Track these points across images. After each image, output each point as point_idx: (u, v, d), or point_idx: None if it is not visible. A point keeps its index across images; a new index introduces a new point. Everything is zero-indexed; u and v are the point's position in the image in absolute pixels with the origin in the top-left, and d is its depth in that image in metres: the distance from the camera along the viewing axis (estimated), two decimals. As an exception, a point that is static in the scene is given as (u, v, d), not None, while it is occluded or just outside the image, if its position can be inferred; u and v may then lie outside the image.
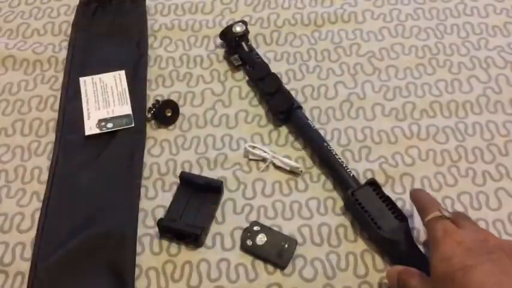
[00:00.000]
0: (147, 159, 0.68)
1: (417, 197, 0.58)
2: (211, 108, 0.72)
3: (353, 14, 0.81)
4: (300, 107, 0.70)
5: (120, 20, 0.80)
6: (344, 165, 0.64)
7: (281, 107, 0.69)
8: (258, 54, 0.75)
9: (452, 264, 0.47)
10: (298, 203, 0.64)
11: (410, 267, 0.54)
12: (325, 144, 0.66)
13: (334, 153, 0.65)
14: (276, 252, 0.60)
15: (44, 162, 0.68)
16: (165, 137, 0.70)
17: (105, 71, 0.75)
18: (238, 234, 0.62)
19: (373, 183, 0.62)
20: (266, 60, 0.75)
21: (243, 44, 0.75)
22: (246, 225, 0.62)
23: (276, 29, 0.80)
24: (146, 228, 0.63)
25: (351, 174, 0.64)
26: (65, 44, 0.78)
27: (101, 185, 0.65)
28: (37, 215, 0.63)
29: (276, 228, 0.62)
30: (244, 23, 0.76)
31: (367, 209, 0.60)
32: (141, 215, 0.63)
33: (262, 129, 0.70)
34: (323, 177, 0.66)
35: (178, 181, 0.65)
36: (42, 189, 0.65)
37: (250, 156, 0.68)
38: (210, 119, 0.71)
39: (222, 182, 0.64)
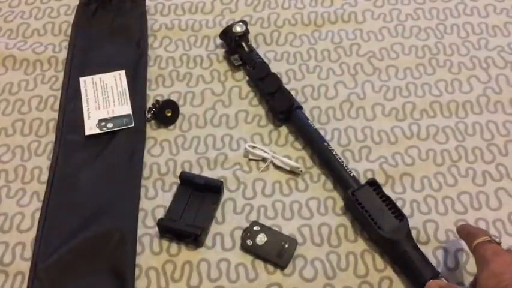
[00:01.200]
0: (147, 159, 0.68)
1: (463, 226, 0.58)
2: (212, 108, 0.72)
3: (353, 14, 0.81)
4: (300, 107, 0.70)
5: (120, 20, 0.80)
6: (344, 165, 0.64)
7: (281, 107, 0.69)
8: (258, 54, 0.75)
9: (503, 279, 0.48)
10: (298, 203, 0.64)
11: (406, 278, 0.55)
12: (325, 144, 0.66)
13: (334, 153, 0.65)
14: (276, 252, 0.60)
15: (44, 162, 0.68)
16: (165, 137, 0.70)
17: (105, 71, 0.75)
18: (238, 234, 0.62)
19: (373, 183, 0.62)
20: (266, 60, 0.75)
21: (243, 44, 0.75)
22: (246, 225, 0.62)
23: (276, 29, 0.80)
24: (146, 228, 0.63)
25: (351, 174, 0.64)
26: (65, 44, 0.78)
27: (101, 184, 0.65)
28: (37, 215, 0.63)
29: (276, 228, 0.62)
30: (244, 23, 0.76)
31: (367, 208, 0.60)
32: (141, 215, 0.63)
33: (262, 129, 0.70)
34: (323, 177, 0.66)
35: (179, 181, 0.65)
36: (42, 189, 0.65)
37: (250, 156, 0.68)
38: (210, 119, 0.71)
39: (222, 181, 0.64)
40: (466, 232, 0.56)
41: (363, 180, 0.64)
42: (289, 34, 0.80)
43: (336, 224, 0.63)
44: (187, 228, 0.61)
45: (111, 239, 0.60)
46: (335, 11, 0.82)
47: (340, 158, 0.65)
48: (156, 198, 0.65)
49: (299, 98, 0.73)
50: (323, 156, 0.66)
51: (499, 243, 0.53)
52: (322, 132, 0.68)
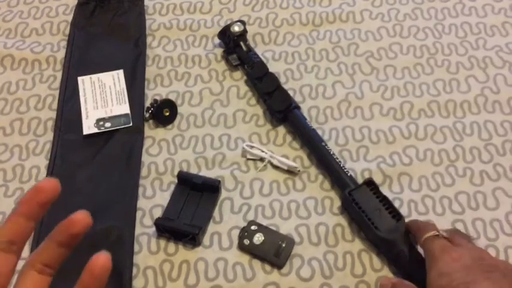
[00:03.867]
0: (145, 159, 0.68)
1: (412, 222, 0.59)
2: (210, 108, 0.72)
3: (351, 13, 0.81)
4: (298, 107, 0.70)
5: (119, 19, 0.80)
6: (341, 165, 0.64)
7: (279, 107, 0.69)
8: (256, 54, 0.75)
9: (453, 279, 0.48)
10: (296, 203, 0.64)
11: (404, 279, 0.55)
12: (323, 144, 0.66)
13: (331, 153, 0.65)
14: (274, 251, 0.60)
15: (42, 161, 0.68)
16: (163, 136, 0.70)
17: (104, 71, 0.75)
18: (235, 234, 0.62)
19: (370, 183, 0.62)
20: (264, 60, 0.75)
21: (242, 43, 0.75)
22: (244, 224, 0.62)
23: (274, 28, 0.80)
24: (144, 227, 0.63)
25: (348, 174, 0.64)
26: (64, 43, 0.79)
27: (98, 184, 0.66)
28: (35, 214, 0.63)
29: (273, 228, 0.62)
30: (242, 22, 0.76)
31: (364, 208, 0.60)
32: (138, 214, 0.64)
33: (260, 128, 0.70)
34: (321, 177, 0.66)
35: (176, 180, 0.65)
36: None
37: (248, 156, 0.68)
38: (208, 118, 0.71)
39: (219, 181, 0.64)
40: (415, 227, 0.57)
41: (360, 180, 0.64)
42: (287, 34, 0.80)
43: (333, 224, 0.63)
44: (184, 227, 0.61)
45: (109, 238, 0.60)
46: (333, 10, 0.82)
47: (337, 158, 0.65)
48: (153, 198, 0.65)
49: (297, 98, 0.73)
50: (320, 156, 0.66)
51: (447, 238, 0.53)
52: (320, 132, 0.68)
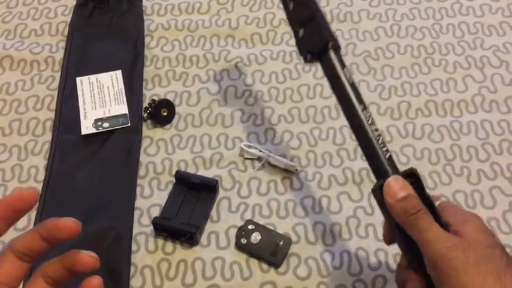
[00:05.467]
0: (143, 159, 0.68)
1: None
2: (207, 108, 0.73)
3: (349, 13, 0.82)
4: (337, 47, 0.51)
5: (117, 20, 0.80)
6: (380, 143, 0.47)
7: (311, 46, 0.51)
8: None
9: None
10: (293, 202, 0.64)
11: None
12: (362, 112, 0.48)
13: (369, 123, 0.48)
14: (271, 250, 0.60)
15: (40, 161, 0.68)
16: (161, 136, 0.70)
17: (102, 71, 0.75)
18: (233, 233, 0.62)
19: (412, 175, 0.46)
20: (262, 59, 0.76)
21: None
22: (241, 223, 0.62)
23: (272, 28, 0.81)
24: (141, 226, 0.63)
25: (387, 156, 0.47)
26: (62, 44, 0.79)
27: (97, 184, 0.66)
28: (33, 214, 0.63)
29: (270, 227, 0.62)
30: None
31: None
32: (136, 214, 0.64)
33: (258, 128, 0.71)
34: (318, 176, 0.66)
35: (174, 180, 0.65)
36: (38, 188, 0.65)
37: (246, 155, 0.68)
38: (205, 118, 0.72)
39: (217, 180, 0.64)
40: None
41: (358, 179, 0.64)
42: (285, 34, 0.80)
43: (330, 223, 0.63)
44: (182, 226, 0.61)
45: (107, 238, 0.61)
46: (331, 10, 0.82)
47: (378, 136, 0.48)
48: (151, 197, 0.65)
49: (295, 97, 0.73)
50: (355, 129, 0.49)
51: None
52: (317, 131, 0.68)
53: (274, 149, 0.69)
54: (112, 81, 0.74)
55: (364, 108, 0.48)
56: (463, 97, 0.73)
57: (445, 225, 0.44)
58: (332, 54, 0.50)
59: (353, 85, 0.49)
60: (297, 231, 0.62)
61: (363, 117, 0.48)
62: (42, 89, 0.75)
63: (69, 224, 0.34)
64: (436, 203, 0.46)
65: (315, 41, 0.50)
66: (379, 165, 0.47)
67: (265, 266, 0.60)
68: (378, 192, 0.46)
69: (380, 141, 0.47)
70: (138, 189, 0.66)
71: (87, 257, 0.36)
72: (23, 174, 0.67)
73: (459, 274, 0.41)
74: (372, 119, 0.48)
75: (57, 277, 0.35)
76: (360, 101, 0.48)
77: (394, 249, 0.60)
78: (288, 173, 0.67)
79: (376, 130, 0.48)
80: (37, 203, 0.64)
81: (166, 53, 0.78)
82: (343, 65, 0.50)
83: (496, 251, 0.42)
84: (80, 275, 0.35)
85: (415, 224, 0.43)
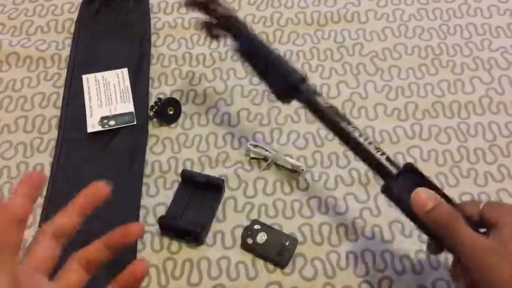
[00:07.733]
0: (149, 157, 0.68)
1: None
2: (214, 107, 0.72)
3: (356, 13, 0.81)
4: (303, 79, 0.55)
5: (124, 18, 0.80)
6: (375, 149, 0.51)
7: (276, 90, 0.56)
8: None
9: None
10: (299, 202, 0.64)
11: None
12: (345, 124, 0.52)
13: (358, 134, 0.51)
14: (277, 250, 0.60)
15: (46, 159, 0.68)
16: (167, 135, 0.70)
17: (108, 69, 0.75)
18: (238, 233, 0.62)
19: (412, 170, 0.49)
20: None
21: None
22: (247, 223, 0.62)
23: (279, 28, 0.80)
24: (147, 225, 0.63)
25: (385, 156, 0.50)
26: (69, 41, 0.79)
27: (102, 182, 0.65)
28: (39, 212, 0.63)
29: (276, 227, 0.62)
30: None
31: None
32: (142, 213, 0.64)
33: (264, 127, 0.70)
34: (324, 176, 0.66)
35: (180, 179, 0.65)
36: (43, 187, 0.65)
37: (252, 155, 0.68)
38: (212, 117, 0.71)
39: (223, 180, 0.64)
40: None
41: (364, 180, 0.64)
42: (292, 33, 0.80)
43: (336, 223, 0.63)
44: (188, 226, 0.61)
45: (112, 236, 0.61)
46: (338, 10, 0.82)
47: (365, 141, 0.51)
48: (157, 196, 0.65)
49: (301, 97, 0.73)
50: (347, 143, 0.52)
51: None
52: (323, 132, 0.68)
53: (281, 149, 0.68)
54: (118, 79, 0.74)
55: (349, 123, 0.52)
56: (470, 98, 0.72)
57: (474, 225, 0.46)
58: (303, 88, 0.54)
59: (331, 107, 0.53)
60: (303, 232, 0.62)
61: (349, 130, 0.52)
62: (48, 86, 0.75)
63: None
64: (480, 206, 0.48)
65: (283, 87, 0.55)
66: (381, 167, 0.50)
67: (271, 267, 0.60)
68: (387, 192, 0.50)
69: (374, 147, 0.51)
70: (144, 188, 0.65)
71: (135, 226, 0.40)
72: (29, 172, 0.67)
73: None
74: (359, 130, 0.52)
75: (97, 259, 0.39)
76: (343, 118, 0.52)
77: (401, 250, 0.60)
78: (294, 173, 0.66)
79: (367, 139, 0.51)
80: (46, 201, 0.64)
81: (173, 51, 0.78)
82: (316, 93, 0.54)
83: None
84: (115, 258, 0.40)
85: (448, 233, 0.45)
